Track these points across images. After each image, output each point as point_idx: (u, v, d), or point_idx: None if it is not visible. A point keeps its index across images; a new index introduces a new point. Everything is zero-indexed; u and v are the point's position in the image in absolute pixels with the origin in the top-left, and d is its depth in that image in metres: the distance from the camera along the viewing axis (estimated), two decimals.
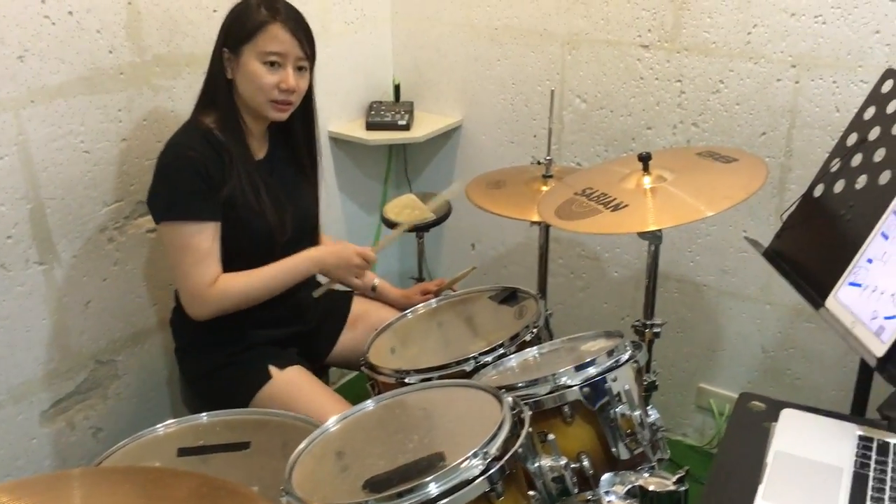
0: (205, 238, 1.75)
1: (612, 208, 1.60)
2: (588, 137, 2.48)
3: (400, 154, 2.92)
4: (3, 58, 1.74)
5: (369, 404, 1.44)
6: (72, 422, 2.07)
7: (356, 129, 2.63)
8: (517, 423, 1.27)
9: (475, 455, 1.18)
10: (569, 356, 1.56)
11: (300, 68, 1.79)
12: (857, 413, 1.56)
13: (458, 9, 2.61)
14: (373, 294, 2.17)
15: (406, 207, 2.31)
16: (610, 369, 1.44)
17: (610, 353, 1.47)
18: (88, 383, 2.08)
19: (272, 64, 1.74)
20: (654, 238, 1.70)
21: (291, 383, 1.84)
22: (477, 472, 1.16)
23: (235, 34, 1.75)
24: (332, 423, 1.39)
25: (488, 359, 1.67)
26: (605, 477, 1.39)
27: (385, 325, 1.96)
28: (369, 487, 1.19)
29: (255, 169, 1.84)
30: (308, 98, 1.89)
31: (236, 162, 1.78)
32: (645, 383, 1.86)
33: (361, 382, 1.89)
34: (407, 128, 2.62)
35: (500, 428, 1.24)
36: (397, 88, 2.76)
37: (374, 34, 2.71)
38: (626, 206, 1.60)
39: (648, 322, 1.83)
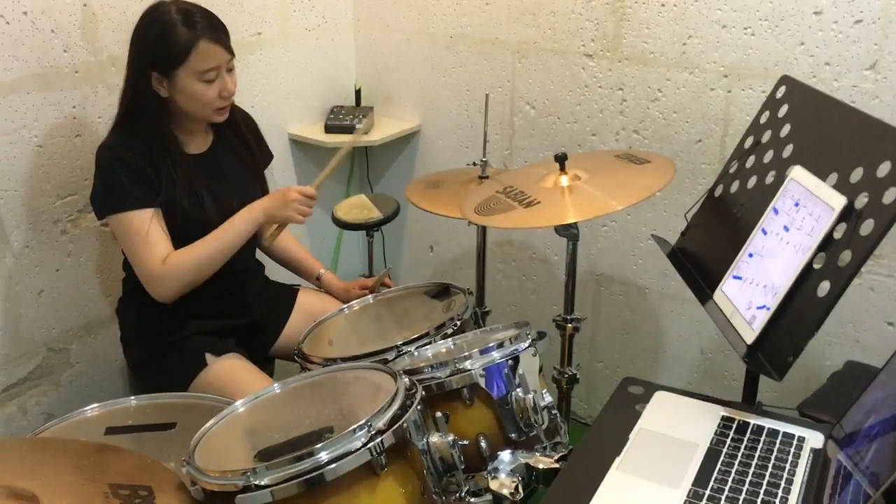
0: (147, 221, 1.81)
1: (525, 205, 1.68)
2: (537, 143, 2.56)
3: (362, 157, 3.00)
4: None
5: (276, 387, 1.51)
6: (24, 407, 2.15)
7: (316, 132, 2.72)
8: (408, 402, 1.35)
9: (361, 427, 1.25)
10: (477, 344, 1.63)
11: (229, 70, 1.86)
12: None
13: (415, 17, 2.70)
14: (317, 283, 2.25)
15: (355, 207, 2.40)
16: (509, 356, 1.51)
17: (512, 340, 1.55)
18: (41, 370, 2.16)
19: (210, 81, 1.81)
20: (571, 234, 1.78)
21: (227, 370, 1.91)
22: (359, 444, 1.24)
23: (164, 58, 1.77)
24: (240, 403, 1.47)
25: (410, 348, 1.75)
26: (502, 455, 1.47)
27: (322, 318, 2.04)
28: (259, 457, 1.27)
29: (195, 166, 1.91)
30: None
31: (171, 167, 1.85)
32: (565, 376, 1.93)
33: None
34: (364, 132, 2.70)
35: (389, 404, 1.31)
36: (358, 93, 2.85)
37: (337, 40, 2.81)
38: (539, 202, 1.68)
39: (568, 317, 1.90)
